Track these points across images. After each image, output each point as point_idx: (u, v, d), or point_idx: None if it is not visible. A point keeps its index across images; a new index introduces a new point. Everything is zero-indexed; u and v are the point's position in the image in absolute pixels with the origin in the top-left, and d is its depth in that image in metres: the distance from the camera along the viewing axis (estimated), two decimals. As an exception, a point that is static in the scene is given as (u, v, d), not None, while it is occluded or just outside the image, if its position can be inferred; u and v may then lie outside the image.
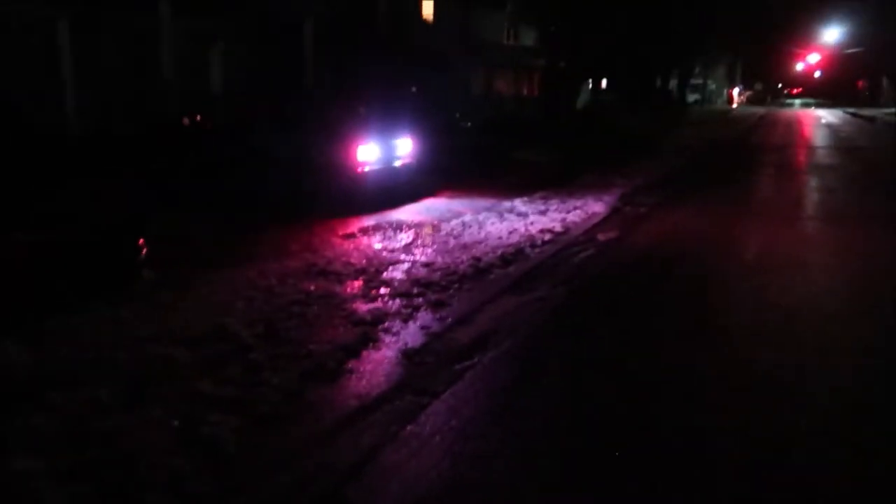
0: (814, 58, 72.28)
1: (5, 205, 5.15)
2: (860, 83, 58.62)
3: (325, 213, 8.25)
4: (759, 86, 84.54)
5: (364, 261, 6.31)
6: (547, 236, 7.53)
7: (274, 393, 3.62)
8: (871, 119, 37.15)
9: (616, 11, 27.37)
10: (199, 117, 10.93)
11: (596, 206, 9.40)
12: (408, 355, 4.18)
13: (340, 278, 5.72)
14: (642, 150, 17.86)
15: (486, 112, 22.52)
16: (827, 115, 43.27)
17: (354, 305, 5.04)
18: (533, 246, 7.06)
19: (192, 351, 4.12)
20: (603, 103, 32.93)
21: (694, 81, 52.04)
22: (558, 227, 7.98)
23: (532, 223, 8.18)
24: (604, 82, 35.32)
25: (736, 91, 69.92)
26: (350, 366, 4.00)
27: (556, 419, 3.57)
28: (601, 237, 7.79)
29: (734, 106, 59.48)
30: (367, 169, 9.12)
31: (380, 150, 9.36)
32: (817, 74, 78.20)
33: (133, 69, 12.82)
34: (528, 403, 3.75)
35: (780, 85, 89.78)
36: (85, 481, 2.79)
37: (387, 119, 11.14)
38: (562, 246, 7.22)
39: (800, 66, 79.44)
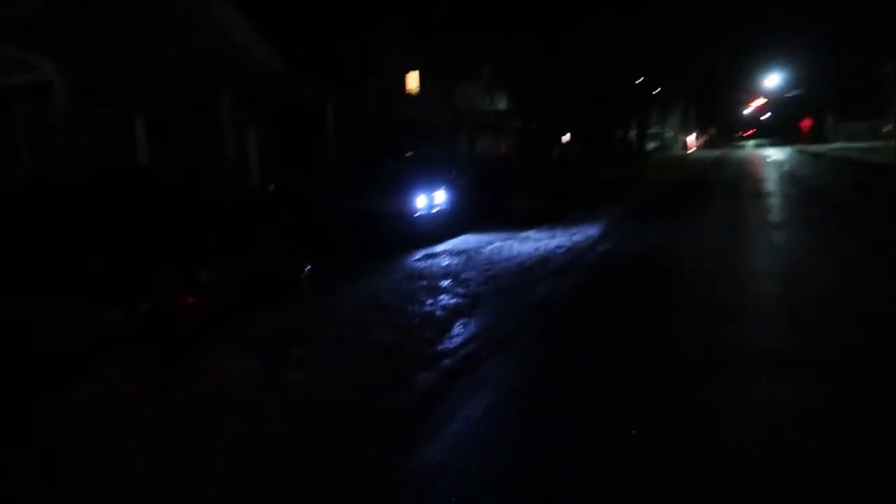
0: (759, 101, 77.85)
1: (222, 243, 8.00)
2: (806, 120, 63.14)
3: (392, 248, 11.10)
4: (713, 130, 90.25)
5: (443, 271, 9.16)
6: (561, 250, 10.51)
7: (439, 321, 6.51)
8: (816, 154, 40.76)
9: (574, 80, 31.37)
10: (272, 186, 13.90)
11: (590, 231, 12.45)
12: (504, 304, 7.09)
13: (435, 280, 8.56)
14: (613, 192, 21.12)
15: (473, 169, 25.77)
16: (776, 153, 47.19)
17: (456, 290, 7.90)
18: (555, 255, 10.04)
19: (373, 313, 6.90)
20: (569, 155, 36.62)
21: (652, 130, 56.50)
22: (567, 244, 10.98)
23: (547, 243, 11.14)
24: (567, 136, 39.00)
25: (692, 136, 74.90)
26: (476, 311, 6.90)
27: (594, 322, 6.45)
28: (600, 248, 10.81)
29: (691, 150, 64.06)
30: (417, 215, 12.09)
31: (426, 200, 12.36)
32: (765, 116, 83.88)
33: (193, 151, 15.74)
34: (583, 318, 6.78)
35: (732, 128, 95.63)
36: (371, 374, 5.56)
37: (414, 177, 14.11)
38: (574, 254, 10.22)
39: (747, 110, 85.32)
